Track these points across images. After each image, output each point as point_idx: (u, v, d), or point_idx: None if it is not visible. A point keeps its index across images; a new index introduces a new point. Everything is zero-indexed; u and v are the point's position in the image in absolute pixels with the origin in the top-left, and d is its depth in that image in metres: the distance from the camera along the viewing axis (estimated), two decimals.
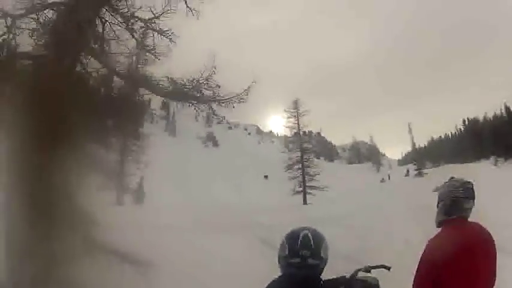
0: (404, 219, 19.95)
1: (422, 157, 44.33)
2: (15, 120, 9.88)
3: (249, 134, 62.93)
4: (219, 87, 13.00)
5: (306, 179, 36.25)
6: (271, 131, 62.90)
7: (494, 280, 4.25)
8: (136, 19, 13.24)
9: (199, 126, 52.01)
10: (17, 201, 9.84)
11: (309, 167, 37.07)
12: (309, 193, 35.41)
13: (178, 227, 18.37)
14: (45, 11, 12.42)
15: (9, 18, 12.14)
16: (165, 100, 20.42)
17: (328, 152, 59.80)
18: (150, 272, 11.98)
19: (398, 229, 18.43)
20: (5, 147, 10.03)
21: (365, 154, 56.87)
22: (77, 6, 11.80)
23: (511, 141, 37.50)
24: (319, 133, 57.58)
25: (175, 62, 13.56)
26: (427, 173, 39.82)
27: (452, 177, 4.49)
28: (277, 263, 3.27)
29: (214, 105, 13.43)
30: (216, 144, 52.29)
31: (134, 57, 13.88)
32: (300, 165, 36.93)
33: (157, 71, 13.31)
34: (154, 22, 13.35)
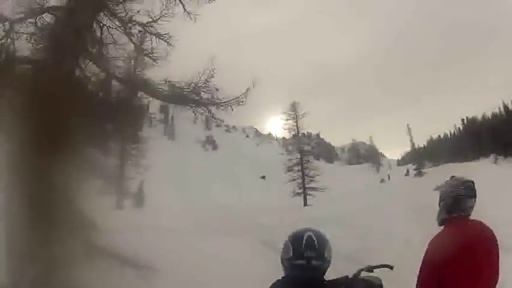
0: (405, 219, 19.93)
1: (422, 157, 44.40)
2: (14, 124, 9.88)
3: (248, 136, 63.02)
4: (218, 90, 13.01)
5: (305, 180, 36.29)
6: (270, 133, 63.03)
7: (497, 278, 4.26)
8: (134, 23, 13.25)
9: (198, 129, 52.10)
10: (18, 204, 9.85)
11: (308, 168, 37.12)
12: (309, 194, 35.46)
13: (178, 230, 18.38)
14: (43, 15, 12.43)
15: (7, 22, 12.14)
16: (163, 104, 20.43)
17: (328, 153, 59.88)
18: (151, 275, 11.98)
19: (398, 229, 18.42)
20: (5, 151, 10.04)
21: (364, 155, 56.94)
22: (75, 10, 11.81)
23: (510, 139, 37.57)
24: (318, 135, 57.66)
25: (174, 66, 13.58)
26: (426, 173, 39.86)
27: (453, 176, 4.50)
28: (281, 264, 3.27)
29: (213, 109, 13.44)
30: (215, 147, 52.36)
31: (132, 61, 13.88)
32: (300, 167, 36.97)
33: (156, 74, 13.32)
34: (152, 26, 13.36)
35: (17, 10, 12.18)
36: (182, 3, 13.39)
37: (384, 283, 3.72)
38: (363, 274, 3.87)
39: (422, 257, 4.23)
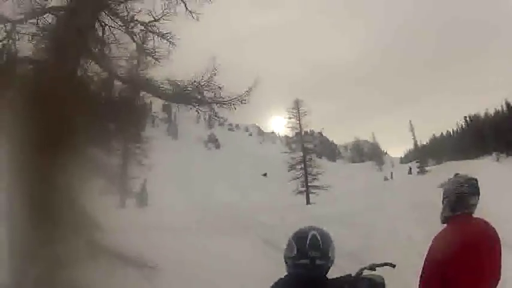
0: (408, 217, 19.95)
1: (425, 155, 44.38)
2: (16, 124, 9.89)
3: (251, 134, 63.11)
4: (221, 88, 12.98)
5: (308, 178, 36.27)
6: (272, 132, 63.10)
7: (500, 276, 4.26)
8: (136, 22, 13.24)
9: (200, 128, 52.20)
10: (20, 204, 9.86)
11: (311, 166, 37.08)
12: (312, 193, 35.43)
13: (181, 229, 18.41)
14: (44, 16, 12.43)
15: (8, 23, 12.15)
16: (166, 103, 20.40)
17: (331, 151, 59.95)
18: (154, 274, 11.99)
19: (401, 227, 18.43)
20: (7, 151, 10.05)
21: (367, 153, 56.97)
22: (77, 10, 11.81)
23: None
24: (320, 133, 57.66)
25: (176, 65, 13.57)
26: (429, 171, 39.87)
27: (457, 174, 4.50)
28: (284, 263, 3.26)
29: (215, 107, 13.43)
30: (218, 146, 52.43)
31: (135, 61, 13.88)
32: (303, 165, 36.94)
33: (159, 73, 13.29)
34: (154, 25, 13.35)
35: (18, 11, 12.18)
36: (184, 2, 13.38)
37: (386, 281, 3.72)
38: (366, 272, 3.87)
39: (425, 255, 4.24)
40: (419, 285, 4.22)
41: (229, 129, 58.47)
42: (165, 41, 13.52)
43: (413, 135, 43.22)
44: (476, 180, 4.37)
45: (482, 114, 44.25)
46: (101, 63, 12.81)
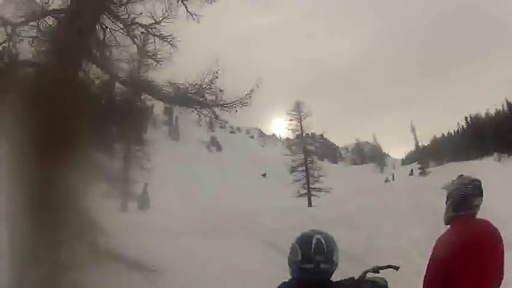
0: (410, 218, 19.95)
1: (426, 156, 44.26)
2: (18, 127, 9.88)
3: (252, 137, 63.00)
4: (222, 91, 12.97)
5: (310, 181, 36.21)
6: (274, 134, 62.91)
7: (502, 276, 4.28)
8: (137, 25, 13.24)
9: (202, 131, 52.12)
10: (23, 208, 9.85)
11: (312, 169, 37.03)
12: (314, 195, 35.37)
13: (184, 232, 18.40)
14: (45, 19, 12.44)
15: (9, 26, 12.15)
16: (167, 105, 20.39)
17: (332, 153, 59.81)
18: (157, 278, 11.97)
19: (404, 229, 18.42)
20: (8, 154, 10.05)
21: (368, 155, 56.84)
22: (77, 13, 11.81)
23: None
24: (322, 135, 57.50)
25: (178, 67, 13.56)
26: (431, 172, 39.78)
27: (461, 175, 4.53)
28: (288, 266, 3.26)
29: (217, 110, 13.42)
30: (219, 148, 52.34)
31: (136, 63, 13.87)
32: (304, 168, 36.88)
33: (160, 76, 13.30)
34: (155, 27, 13.35)
35: (18, 13, 12.19)
36: (185, 5, 13.39)
37: (389, 284, 3.71)
38: (369, 275, 3.87)
39: (428, 257, 4.25)
40: (423, 284, 4.24)
41: (231, 132, 58.32)
42: (166, 44, 13.53)
43: (415, 136, 43.14)
44: (479, 181, 4.40)
45: (483, 114, 44.20)
46: (102, 65, 12.81)
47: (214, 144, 52.65)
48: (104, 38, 12.98)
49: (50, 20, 12.51)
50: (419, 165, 42.43)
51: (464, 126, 46.74)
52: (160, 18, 13.24)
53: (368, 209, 24.13)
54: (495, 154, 38.56)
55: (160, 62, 13.58)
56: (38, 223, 9.84)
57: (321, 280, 3.14)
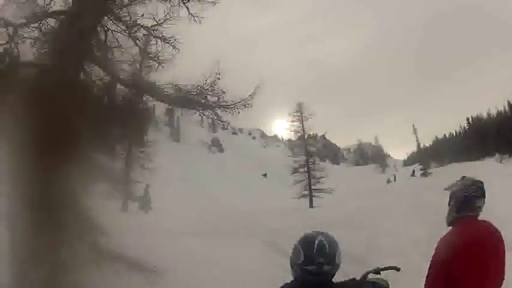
0: (412, 219, 19.95)
1: (427, 157, 44.30)
2: (19, 129, 9.90)
3: (254, 138, 63.06)
4: (224, 92, 12.97)
5: (311, 182, 36.22)
6: (275, 135, 63.00)
7: (504, 276, 4.29)
8: (139, 26, 13.25)
9: (204, 132, 52.21)
10: (24, 209, 9.86)
11: (314, 170, 37.05)
12: (315, 196, 35.39)
13: (185, 233, 18.40)
14: (46, 20, 12.46)
15: (10, 27, 12.17)
16: (169, 107, 20.40)
17: (334, 154, 59.88)
18: (158, 279, 11.97)
19: (406, 230, 18.43)
20: (10, 155, 10.07)
21: (370, 156, 56.93)
22: (79, 14, 11.83)
23: None
24: (324, 136, 57.55)
25: (180, 69, 13.56)
26: (432, 173, 39.82)
27: (464, 176, 4.56)
28: (290, 267, 3.27)
29: (219, 111, 13.42)
30: (221, 149, 52.39)
31: (138, 65, 13.87)
32: (306, 169, 36.90)
33: (162, 77, 13.30)
34: (157, 29, 13.35)
35: (20, 15, 12.22)
36: (186, 6, 13.39)
37: (390, 284, 3.73)
38: (371, 276, 3.88)
39: (429, 257, 4.28)
40: (425, 285, 4.26)
41: (233, 133, 58.44)
42: (168, 45, 13.54)
43: (416, 137, 43.20)
44: (482, 183, 4.44)
45: (484, 115, 44.27)
46: (104, 67, 12.82)
47: (216, 145, 52.71)
48: (106, 39, 12.99)
49: (51, 22, 12.54)
50: (420, 166, 42.45)
51: (466, 127, 46.86)
52: (162, 20, 13.24)
53: (369, 210, 24.16)
54: (496, 155, 38.67)
55: (162, 64, 13.58)
56: (39, 223, 9.85)
57: (323, 281, 3.15)
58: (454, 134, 48.38)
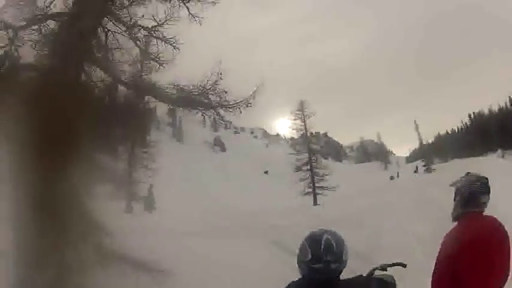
0: (416, 216, 19.92)
1: (430, 153, 44.17)
2: (22, 131, 9.90)
3: (256, 137, 62.96)
4: (226, 92, 12.96)
5: (315, 179, 36.17)
6: (278, 134, 62.78)
7: (509, 272, 4.28)
8: (140, 27, 13.25)
9: (206, 131, 52.08)
10: (28, 211, 9.87)
11: (317, 167, 36.98)
12: (319, 193, 35.33)
13: (190, 232, 18.38)
14: (47, 22, 12.46)
15: (10, 29, 12.18)
16: (171, 107, 20.39)
17: (336, 152, 59.72)
18: (164, 279, 11.96)
19: (410, 226, 18.40)
20: (13, 157, 10.07)
21: (373, 153, 56.72)
22: (79, 16, 11.82)
23: None
24: (326, 134, 57.45)
25: (181, 69, 13.55)
26: (435, 169, 39.72)
27: (469, 172, 4.57)
28: (296, 266, 3.27)
29: (221, 111, 13.41)
30: (223, 148, 52.30)
31: (139, 66, 13.86)
32: (309, 166, 36.84)
33: (163, 78, 13.31)
34: (158, 30, 13.34)
35: (20, 17, 12.22)
36: (187, 7, 13.39)
37: (396, 281, 3.72)
38: (377, 273, 3.87)
39: (433, 254, 4.28)
40: (432, 281, 4.25)
41: (235, 132, 58.20)
42: (169, 46, 13.53)
43: (418, 134, 43.10)
44: (487, 179, 4.45)
45: (486, 111, 44.17)
46: (105, 68, 12.83)
47: (219, 144, 52.61)
48: (106, 40, 12.99)
49: (51, 24, 12.54)
50: (423, 163, 42.37)
51: (468, 123, 46.71)
52: (163, 21, 13.24)
53: (373, 207, 24.11)
54: (499, 151, 38.58)
55: (163, 64, 13.59)
56: (43, 225, 9.87)
57: (330, 279, 3.15)
58: (456, 130, 48.26)
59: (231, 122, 16.09)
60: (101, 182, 13.38)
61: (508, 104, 41.33)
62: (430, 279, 4.28)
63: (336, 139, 60.71)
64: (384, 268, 3.94)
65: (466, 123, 46.47)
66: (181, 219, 22.26)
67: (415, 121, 42.58)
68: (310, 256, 3.13)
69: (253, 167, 46.29)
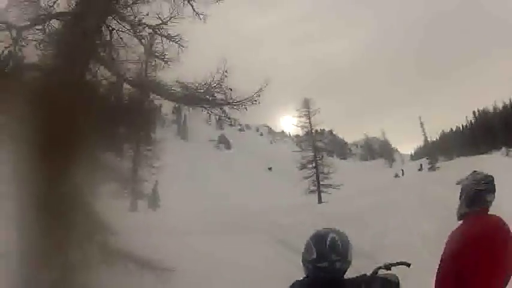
0: (421, 214, 19.91)
1: (435, 151, 44.20)
2: (26, 130, 9.92)
3: (261, 135, 63.05)
4: (231, 90, 12.95)
5: (319, 177, 36.17)
6: (283, 131, 62.99)
7: None
8: (144, 26, 13.25)
9: (211, 129, 52.21)
10: (32, 211, 9.88)
11: (322, 165, 36.99)
12: (324, 191, 35.33)
13: (194, 230, 18.42)
14: (50, 22, 12.46)
15: (14, 30, 12.19)
16: (176, 105, 20.39)
17: (341, 149, 59.84)
18: (169, 277, 11.97)
19: (414, 225, 18.40)
20: (17, 157, 10.09)
21: (377, 150, 56.87)
22: (83, 15, 11.83)
23: None
24: (331, 131, 57.63)
25: (186, 67, 13.56)
26: (440, 167, 39.74)
27: (474, 171, 4.56)
28: (302, 264, 3.27)
29: (227, 109, 13.40)
30: (228, 146, 52.40)
31: (143, 64, 13.86)
32: (314, 164, 36.85)
33: (168, 76, 13.30)
34: (162, 28, 13.34)
35: (24, 17, 12.23)
36: (191, 5, 13.38)
37: (401, 280, 3.72)
38: (381, 272, 3.87)
39: (438, 253, 4.27)
40: (436, 280, 4.25)
41: (240, 130, 58.45)
42: (174, 44, 13.53)
43: (423, 131, 43.22)
44: (493, 177, 4.45)
45: (490, 108, 44.25)
46: (110, 67, 12.82)
47: (223, 142, 52.72)
48: (111, 39, 12.99)
49: (55, 23, 12.54)
50: (428, 160, 42.35)
51: (472, 121, 46.77)
52: (167, 19, 13.23)
53: (378, 205, 24.09)
54: (503, 148, 38.61)
55: (168, 62, 13.59)
56: (48, 224, 9.87)
57: (334, 278, 3.14)
58: (461, 128, 48.34)
59: (236, 120, 16.10)
60: (106, 181, 13.39)
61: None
62: (434, 278, 4.29)
63: (341, 136, 60.82)
64: (388, 267, 3.94)
65: (470, 121, 46.55)
66: (186, 217, 22.33)
67: (420, 117, 42.63)
68: (315, 255, 3.13)
69: (258, 164, 46.37)
